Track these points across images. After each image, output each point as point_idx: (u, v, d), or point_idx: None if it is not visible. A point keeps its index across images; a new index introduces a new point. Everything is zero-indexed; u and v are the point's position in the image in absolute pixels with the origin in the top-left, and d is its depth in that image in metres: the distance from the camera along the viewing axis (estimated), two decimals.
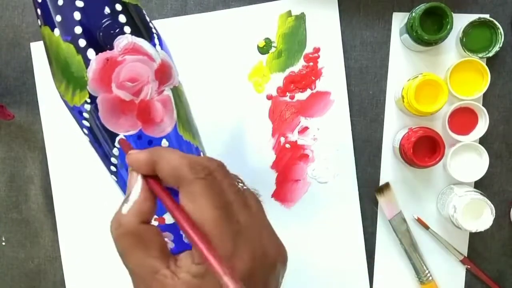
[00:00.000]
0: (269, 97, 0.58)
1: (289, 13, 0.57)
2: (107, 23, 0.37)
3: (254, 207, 0.33)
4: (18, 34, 0.60)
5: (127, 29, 0.38)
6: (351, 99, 0.58)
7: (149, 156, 0.32)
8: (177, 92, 0.42)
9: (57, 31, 0.37)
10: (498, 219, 0.57)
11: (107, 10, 0.38)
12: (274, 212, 0.59)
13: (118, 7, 0.38)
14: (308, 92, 0.58)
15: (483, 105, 0.55)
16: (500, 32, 0.54)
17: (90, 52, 0.37)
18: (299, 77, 0.58)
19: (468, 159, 0.55)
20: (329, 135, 0.58)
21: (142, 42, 0.39)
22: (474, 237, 0.57)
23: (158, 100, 0.40)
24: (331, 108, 0.58)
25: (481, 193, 0.53)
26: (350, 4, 0.57)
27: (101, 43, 0.37)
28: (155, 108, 0.39)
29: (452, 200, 0.53)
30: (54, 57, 0.39)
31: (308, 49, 0.57)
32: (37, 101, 0.60)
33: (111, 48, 0.37)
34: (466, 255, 0.57)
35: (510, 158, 0.57)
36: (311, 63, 0.58)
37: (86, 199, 0.59)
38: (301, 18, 0.57)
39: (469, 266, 0.57)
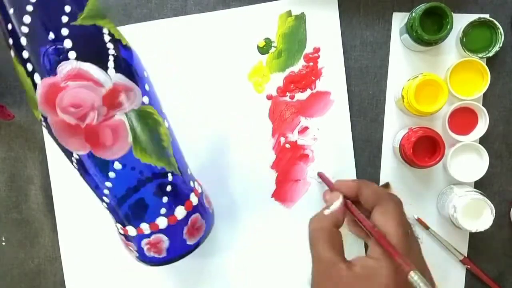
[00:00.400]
0: (269, 97, 0.58)
1: (289, 13, 0.57)
2: (51, 48, 0.37)
3: (417, 243, 0.45)
4: None
5: (72, 54, 0.38)
6: (351, 99, 0.58)
7: (357, 183, 0.46)
8: (137, 114, 0.41)
9: (12, 53, 0.39)
10: (498, 219, 0.57)
11: (51, 35, 0.37)
12: (274, 212, 0.59)
13: (64, 32, 0.38)
14: (308, 92, 0.58)
15: (483, 105, 0.55)
16: (500, 32, 0.54)
17: (36, 77, 0.38)
18: (299, 77, 0.58)
19: (468, 159, 0.55)
20: (329, 135, 0.58)
21: (89, 67, 0.38)
22: (474, 237, 0.57)
23: (107, 125, 0.39)
24: (331, 108, 0.58)
25: (481, 193, 0.53)
26: (350, 4, 0.57)
27: (46, 68, 0.37)
28: (103, 133, 0.39)
29: (452, 200, 0.53)
30: (17, 75, 0.40)
31: (308, 49, 0.57)
32: None
33: (56, 73, 0.37)
34: (466, 255, 0.57)
35: (510, 158, 0.57)
36: (311, 63, 0.58)
37: (86, 199, 0.59)
38: (301, 18, 0.57)
39: (469, 266, 0.57)
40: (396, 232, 0.40)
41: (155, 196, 0.44)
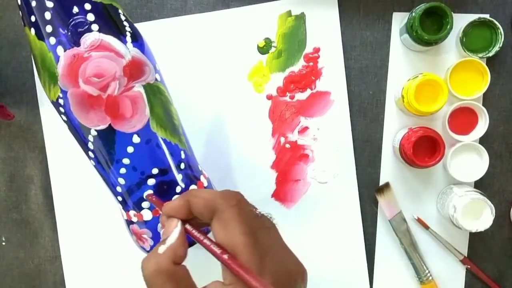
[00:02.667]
0: (269, 97, 0.58)
1: (289, 13, 0.57)
2: (75, 21, 0.39)
3: (271, 230, 0.37)
4: (18, 34, 0.60)
5: (94, 27, 0.40)
6: (351, 99, 0.58)
7: (183, 199, 0.35)
8: (152, 89, 0.43)
9: (33, 31, 0.40)
10: (498, 219, 0.57)
11: (75, 9, 0.40)
12: (274, 212, 0.59)
13: (87, 6, 0.40)
14: (308, 92, 0.58)
15: (483, 105, 0.55)
16: (500, 32, 0.54)
17: (59, 49, 0.39)
18: (299, 77, 0.58)
19: (468, 159, 0.55)
20: (329, 135, 0.58)
21: (110, 39, 0.40)
22: (474, 237, 0.57)
23: (127, 96, 0.41)
24: (331, 108, 0.58)
25: (481, 193, 0.53)
26: (350, 4, 0.57)
27: (70, 40, 0.39)
28: (124, 104, 0.41)
29: (452, 200, 0.53)
30: (34, 54, 0.41)
31: (308, 49, 0.57)
32: (37, 101, 0.60)
33: (79, 45, 0.39)
34: (466, 255, 0.57)
35: (510, 158, 0.57)
36: (311, 63, 0.58)
37: (86, 199, 0.59)
38: (301, 18, 0.57)
39: (469, 266, 0.57)
40: (244, 245, 0.32)
41: (171, 175, 0.45)
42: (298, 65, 0.58)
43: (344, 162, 0.58)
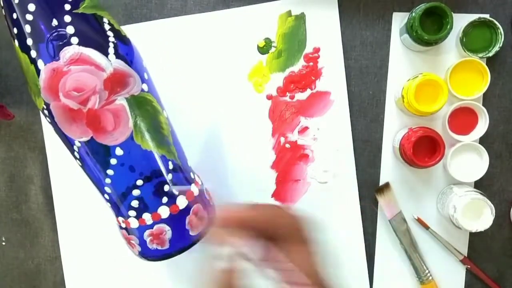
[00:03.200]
0: (269, 97, 0.58)
1: (289, 13, 0.57)
2: (54, 34, 0.39)
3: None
4: None
5: (74, 40, 0.39)
6: (351, 99, 0.58)
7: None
8: (137, 101, 0.42)
9: (16, 42, 0.40)
10: (498, 219, 0.57)
11: (54, 22, 0.39)
12: None
13: (67, 18, 0.40)
14: (308, 92, 0.58)
15: (483, 105, 0.55)
16: (500, 32, 0.54)
17: (40, 63, 0.39)
18: (299, 77, 0.58)
19: (468, 159, 0.55)
20: (329, 135, 0.58)
21: (90, 52, 0.40)
22: (474, 237, 0.57)
23: (108, 109, 0.40)
24: (331, 108, 0.58)
25: (481, 193, 0.53)
26: (350, 4, 0.57)
27: (50, 54, 0.39)
28: (105, 117, 0.40)
29: (452, 200, 0.53)
30: (19, 65, 0.41)
31: (308, 49, 0.57)
32: None
33: (59, 58, 0.39)
34: (466, 255, 0.57)
35: (510, 158, 0.57)
36: (311, 63, 0.58)
37: (86, 199, 0.59)
38: (301, 18, 0.57)
39: (469, 266, 0.57)
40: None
41: (157, 186, 0.45)
42: (298, 65, 0.58)
43: (344, 162, 0.58)
